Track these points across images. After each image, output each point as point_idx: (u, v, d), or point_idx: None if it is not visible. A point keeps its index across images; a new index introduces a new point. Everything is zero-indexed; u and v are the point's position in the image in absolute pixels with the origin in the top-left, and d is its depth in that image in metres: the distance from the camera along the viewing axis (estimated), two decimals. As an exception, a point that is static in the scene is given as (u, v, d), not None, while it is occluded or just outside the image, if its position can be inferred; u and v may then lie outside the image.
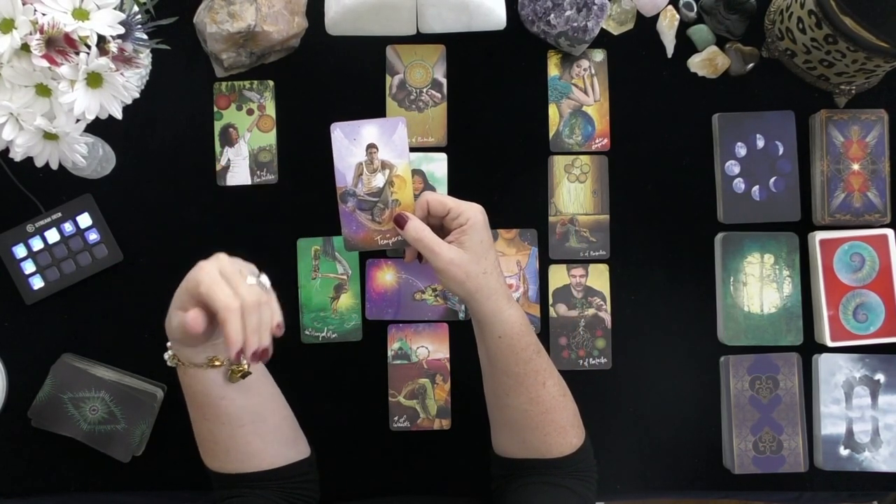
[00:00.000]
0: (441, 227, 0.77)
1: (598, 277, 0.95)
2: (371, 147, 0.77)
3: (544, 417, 0.76)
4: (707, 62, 0.97)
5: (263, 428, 0.77)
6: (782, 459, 0.93)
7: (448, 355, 0.95)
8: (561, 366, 0.94)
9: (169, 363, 0.74)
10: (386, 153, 0.77)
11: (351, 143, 0.77)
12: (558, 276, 0.96)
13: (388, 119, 0.79)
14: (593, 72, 0.98)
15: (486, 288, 0.74)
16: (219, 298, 0.64)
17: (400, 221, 0.75)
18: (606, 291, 0.95)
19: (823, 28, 0.86)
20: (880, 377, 0.95)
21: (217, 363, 0.72)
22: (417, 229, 0.74)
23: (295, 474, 0.79)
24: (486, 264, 0.74)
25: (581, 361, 0.95)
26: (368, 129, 0.77)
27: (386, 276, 0.95)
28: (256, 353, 0.66)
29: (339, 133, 0.77)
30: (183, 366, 0.73)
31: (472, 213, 0.74)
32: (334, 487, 0.92)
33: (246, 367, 0.73)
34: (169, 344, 0.73)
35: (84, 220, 0.93)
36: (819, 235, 0.95)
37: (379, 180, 0.77)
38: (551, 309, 0.95)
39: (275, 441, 0.78)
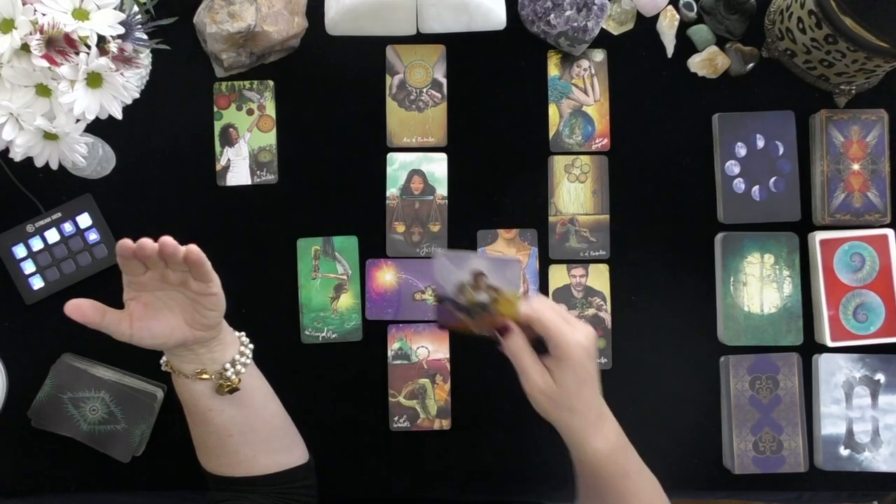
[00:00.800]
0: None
1: (598, 277, 0.95)
2: (479, 275, 0.71)
3: None
4: (707, 62, 0.97)
5: (253, 438, 0.76)
6: (782, 459, 0.93)
7: (448, 355, 0.95)
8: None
9: (163, 368, 0.75)
10: (495, 281, 0.71)
11: (457, 268, 0.72)
12: (558, 276, 0.96)
13: (502, 258, 0.74)
14: (593, 72, 0.98)
15: (571, 425, 0.71)
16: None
17: (503, 331, 0.70)
18: (606, 291, 0.95)
19: (823, 28, 0.86)
20: (880, 377, 0.94)
21: (205, 376, 0.72)
22: (516, 347, 0.70)
23: (289, 480, 0.78)
24: (575, 402, 0.70)
25: None
26: (478, 263, 0.71)
27: (386, 276, 0.95)
28: (166, 251, 0.66)
29: (445, 261, 0.72)
30: (174, 373, 0.73)
31: (571, 347, 0.68)
32: (334, 487, 0.92)
33: (235, 381, 0.73)
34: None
35: (84, 220, 0.93)
36: (819, 235, 0.95)
37: (483, 297, 0.72)
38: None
39: (265, 450, 0.78)
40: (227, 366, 0.73)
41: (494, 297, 0.71)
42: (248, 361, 0.75)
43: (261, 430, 0.77)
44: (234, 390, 0.73)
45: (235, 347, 0.75)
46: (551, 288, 0.95)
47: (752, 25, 0.98)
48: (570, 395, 0.70)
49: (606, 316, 0.95)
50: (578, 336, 0.69)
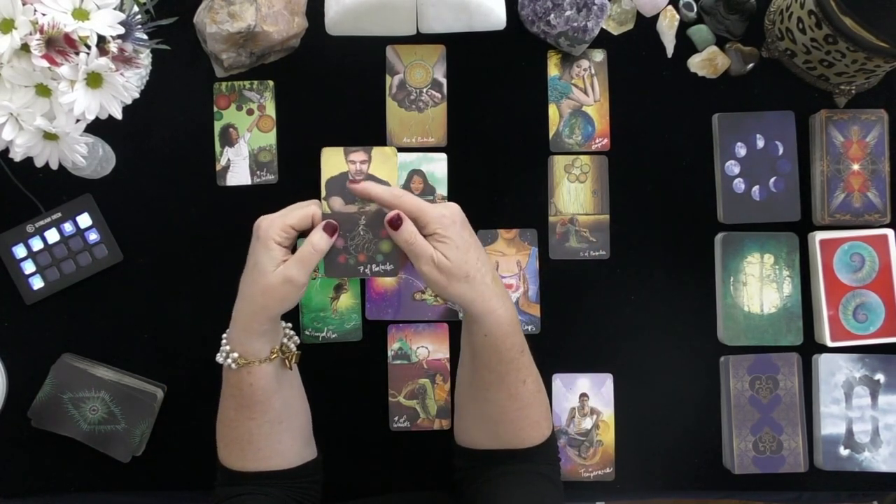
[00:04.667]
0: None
1: (384, 164, 0.76)
2: (583, 396, 0.94)
3: (520, 413, 0.77)
4: (707, 62, 0.97)
5: (295, 424, 0.79)
6: (782, 459, 0.93)
7: (448, 355, 0.95)
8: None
9: (233, 365, 0.74)
10: (595, 402, 0.94)
11: (568, 391, 0.93)
12: (334, 161, 0.76)
13: (597, 375, 0.94)
14: (593, 72, 0.98)
15: (471, 294, 0.73)
16: (303, 211, 0.72)
17: (395, 223, 0.72)
18: (393, 181, 0.76)
19: (823, 28, 0.86)
20: (880, 377, 0.95)
21: (273, 355, 0.75)
22: (409, 233, 0.72)
23: (305, 474, 0.80)
24: (468, 269, 0.72)
25: (363, 267, 0.76)
26: (582, 381, 0.94)
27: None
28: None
29: (559, 383, 0.93)
30: (248, 364, 0.73)
31: (438, 217, 0.72)
32: (334, 487, 0.92)
33: (295, 350, 0.78)
34: (228, 347, 0.74)
35: (84, 220, 0.93)
36: (819, 235, 0.95)
37: (587, 423, 0.94)
38: (323, 203, 0.75)
39: (300, 438, 0.80)
40: (285, 340, 0.77)
41: (597, 422, 0.94)
42: (291, 332, 0.79)
43: (301, 413, 0.81)
44: (298, 359, 0.78)
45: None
46: (325, 177, 0.75)
47: (752, 25, 0.98)
48: (460, 263, 0.71)
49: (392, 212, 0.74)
50: (441, 209, 0.72)
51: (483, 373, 0.77)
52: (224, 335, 0.75)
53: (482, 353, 0.76)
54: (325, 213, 0.74)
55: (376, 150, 0.76)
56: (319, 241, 0.71)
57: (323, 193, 0.75)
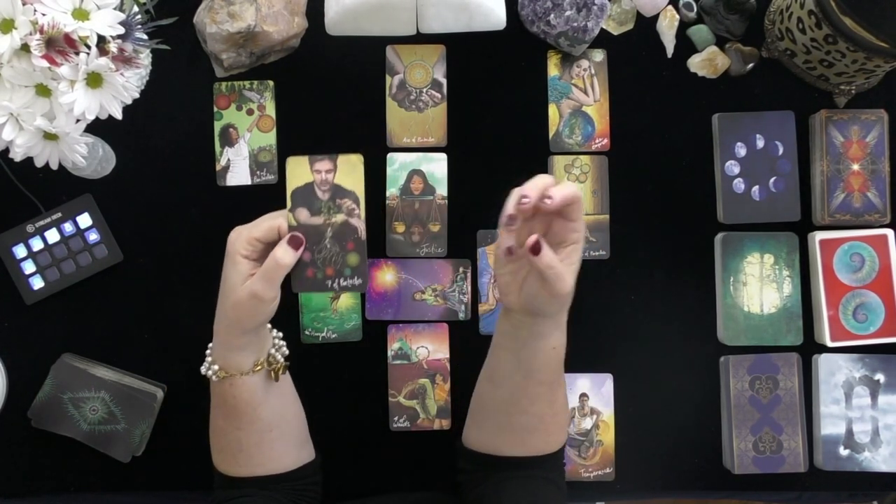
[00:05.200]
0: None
1: (350, 173, 0.72)
2: (583, 396, 0.94)
3: (554, 419, 0.76)
4: (707, 62, 0.97)
5: (287, 430, 0.78)
6: (782, 459, 0.93)
7: (448, 355, 0.95)
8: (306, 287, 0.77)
9: (214, 378, 0.73)
10: (595, 402, 0.94)
11: (568, 391, 0.86)
12: (299, 171, 0.73)
13: (597, 375, 0.95)
14: (593, 72, 0.98)
15: (567, 311, 0.72)
16: (269, 223, 0.69)
17: (537, 249, 0.66)
18: (360, 191, 0.72)
19: (823, 28, 0.86)
20: (880, 377, 0.95)
21: (258, 367, 0.73)
22: (551, 257, 0.66)
23: (303, 476, 0.79)
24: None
25: (331, 281, 0.73)
26: (582, 381, 0.94)
27: (386, 276, 0.95)
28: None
29: None
30: (230, 377, 0.72)
31: (581, 240, 0.68)
32: (334, 487, 0.92)
33: (282, 361, 0.76)
34: (210, 359, 0.73)
35: (84, 220, 0.93)
36: (819, 235, 0.95)
37: (587, 423, 0.93)
38: (289, 215, 0.71)
39: (293, 443, 0.79)
40: (273, 350, 0.76)
41: (597, 422, 0.94)
42: (281, 342, 0.78)
43: (292, 420, 0.79)
44: (285, 370, 0.76)
45: (268, 329, 0.76)
46: (290, 188, 0.72)
47: (752, 25, 0.98)
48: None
49: (360, 223, 0.72)
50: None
51: (536, 388, 0.74)
52: (209, 346, 0.74)
53: (543, 367, 0.73)
54: (291, 226, 0.70)
55: (342, 158, 0.72)
56: (283, 255, 0.67)
57: (288, 205, 0.71)
